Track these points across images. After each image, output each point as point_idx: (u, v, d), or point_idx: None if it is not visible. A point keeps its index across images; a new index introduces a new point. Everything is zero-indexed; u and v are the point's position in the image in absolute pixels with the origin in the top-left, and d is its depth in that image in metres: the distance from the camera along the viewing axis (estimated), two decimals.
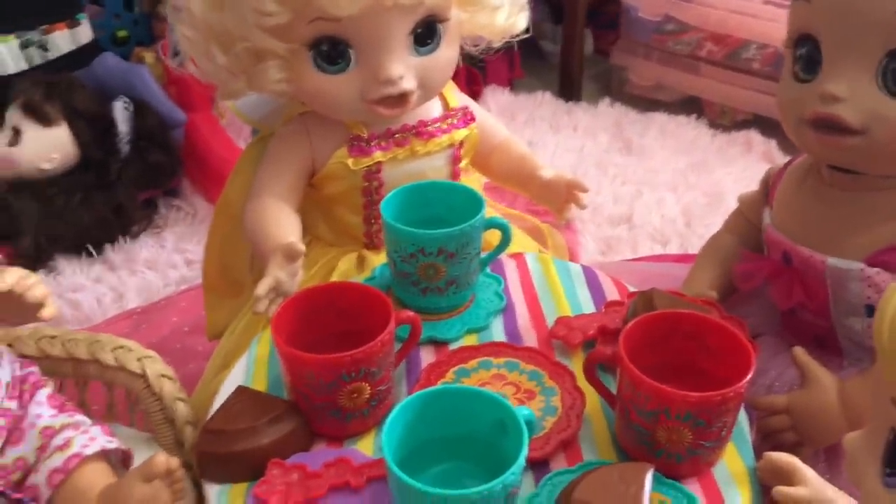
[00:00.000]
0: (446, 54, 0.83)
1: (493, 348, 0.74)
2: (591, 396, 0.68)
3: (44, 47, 1.63)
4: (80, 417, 0.68)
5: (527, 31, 0.89)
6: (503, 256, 0.85)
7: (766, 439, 0.72)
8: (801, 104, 0.71)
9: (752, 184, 0.87)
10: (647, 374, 0.59)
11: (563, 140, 1.74)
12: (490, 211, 0.90)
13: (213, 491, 0.63)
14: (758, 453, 0.64)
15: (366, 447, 0.66)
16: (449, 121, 0.89)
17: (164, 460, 0.61)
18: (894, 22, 0.65)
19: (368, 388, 0.65)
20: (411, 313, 0.70)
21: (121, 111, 1.47)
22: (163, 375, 0.73)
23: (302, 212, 0.87)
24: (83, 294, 1.34)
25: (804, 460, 0.61)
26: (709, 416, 0.59)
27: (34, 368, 0.71)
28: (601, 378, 0.66)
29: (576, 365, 0.71)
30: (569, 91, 1.94)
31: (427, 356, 0.74)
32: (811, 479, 0.60)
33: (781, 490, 0.59)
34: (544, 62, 2.11)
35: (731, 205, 0.91)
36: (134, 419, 0.79)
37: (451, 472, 0.60)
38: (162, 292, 1.36)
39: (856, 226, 0.72)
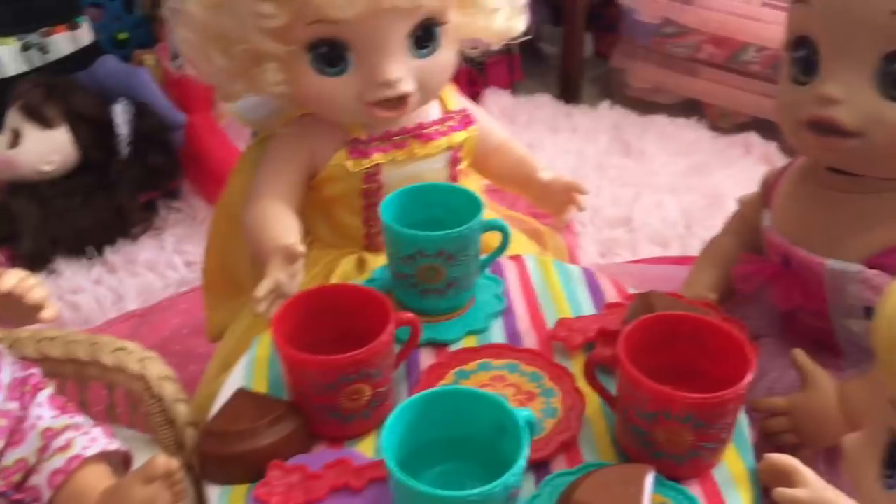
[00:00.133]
0: (445, 57, 0.83)
1: (493, 350, 0.74)
2: (592, 398, 0.68)
3: (44, 49, 1.64)
4: (81, 419, 0.68)
5: (526, 33, 0.89)
6: (503, 258, 0.85)
7: (766, 441, 0.72)
8: (799, 107, 0.71)
9: (751, 186, 0.87)
10: (646, 376, 0.59)
11: (562, 142, 1.75)
12: (490, 213, 0.90)
13: (213, 492, 0.63)
14: (758, 455, 0.64)
15: (366, 448, 0.66)
16: (447, 123, 0.89)
17: (165, 462, 0.61)
18: (891, 25, 0.65)
19: (369, 389, 0.65)
20: (411, 315, 0.70)
21: (121, 113, 1.48)
22: (163, 377, 0.73)
23: (302, 213, 0.87)
24: (83, 296, 1.34)
25: (804, 462, 0.61)
26: (709, 417, 0.59)
27: (35, 370, 0.71)
28: (601, 380, 0.66)
29: (576, 367, 0.71)
30: (568, 93, 1.94)
31: (427, 358, 0.74)
32: (811, 480, 0.60)
33: (781, 491, 0.59)
34: (544, 64, 2.11)
35: (731, 207, 0.91)
36: (135, 420, 0.79)
37: (452, 474, 0.60)
38: (162, 294, 1.36)
39: (855, 228, 0.73)
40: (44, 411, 0.68)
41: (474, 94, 1.85)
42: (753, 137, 1.72)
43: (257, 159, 0.90)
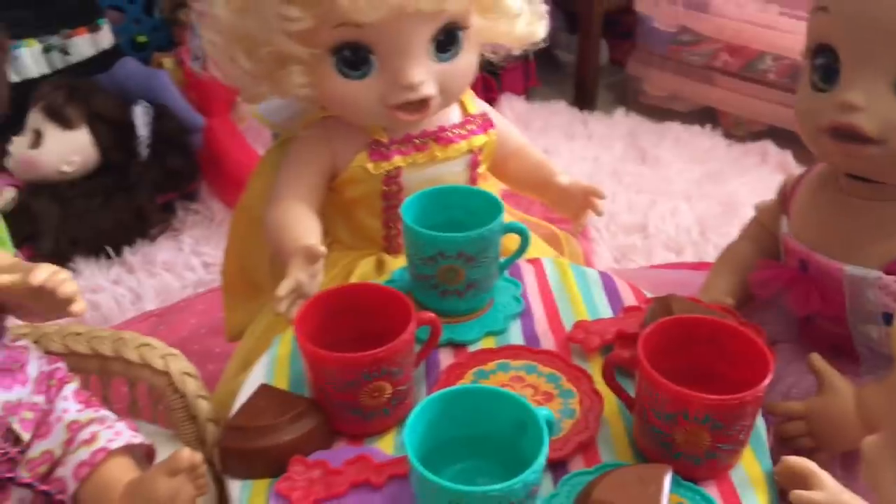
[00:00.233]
0: (466, 61, 0.84)
1: (512, 351, 0.74)
2: (610, 399, 0.68)
3: (65, 52, 1.66)
4: (105, 412, 0.69)
5: (543, 40, 0.90)
6: (521, 261, 0.86)
7: (783, 445, 0.72)
8: (819, 113, 0.72)
9: (767, 194, 0.88)
10: (665, 378, 0.60)
11: (577, 149, 1.76)
12: (506, 217, 0.91)
13: (235, 486, 0.64)
14: (775, 459, 0.64)
15: (386, 446, 0.67)
16: (468, 127, 0.90)
17: (189, 455, 0.62)
18: None
19: (389, 387, 0.65)
20: (431, 314, 0.70)
21: (141, 115, 1.49)
22: (186, 373, 0.74)
23: (322, 215, 0.88)
24: (102, 295, 1.36)
25: (820, 466, 0.62)
26: (727, 418, 0.59)
27: (61, 364, 0.72)
28: (619, 381, 0.67)
29: (593, 368, 0.72)
30: (584, 100, 1.95)
31: (446, 358, 0.75)
32: (828, 483, 0.60)
33: (798, 494, 0.59)
34: (560, 71, 2.12)
35: (746, 215, 0.92)
36: (156, 416, 0.80)
37: (472, 471, 0.61)
38: (179, 294, 1.38)
39: (873, 234, 0.73)
40: (69, 405, 0.69)
41: (490, 100, 1.86)
42: (769, 146, 1.73)
43: (278, 162, 0.92)
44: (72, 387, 0.70)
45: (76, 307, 0.61)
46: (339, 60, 0.80)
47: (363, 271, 0.90)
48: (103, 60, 1.65)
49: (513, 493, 0.54)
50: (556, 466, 0.64)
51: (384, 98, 0.81)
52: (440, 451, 0.59)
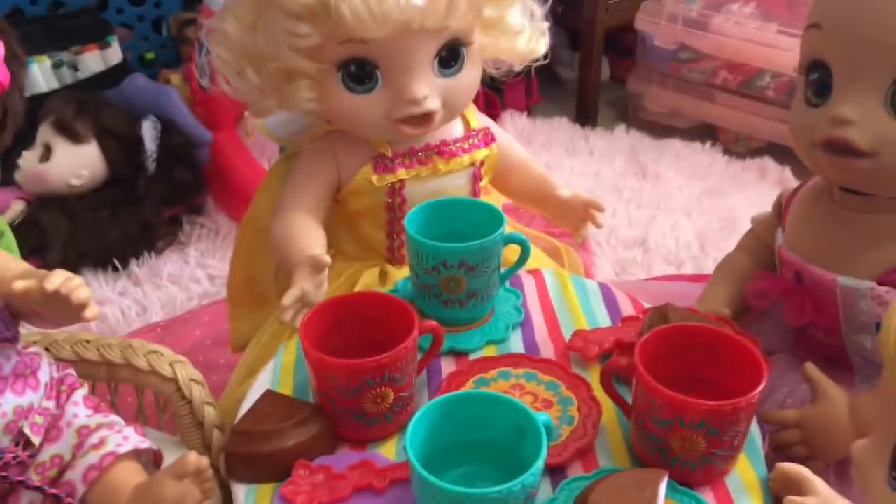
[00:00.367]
0: (469, 76, 0.86)
1: (512, 359, 0.76)
2: (608, 406, 0.70)
3: (75, 67, 1.69)
4: (114, 418, 0.71)
5: (545, 57, 0.92)
6: (522, 272, 0.87)
7: (778, 453, 0.73)
8: (813, 128, 0.73)
9: (766, 209, 0.89)
10: (661, 385, 0.61)
11: (579, 164, 1.77)
12: (509, 229, 0.92)
13: (240, 491, 0.66)
14: (770, 466, 0.65)
15: (388, 451, 0.68)
16: (470, 140, 0.91)
17: (196, 459, 0.64)
18: None
19: (392, 393, 0.67)
20: (434, 322, 0.72)
21: (149, 130, 1.51)
22: (193, 380, 0.76)
23: (327, 227, 0.89)
24: (109, 307, 1.37)
25: (815, 473, 0.63)
26: (721, 424, 0.61)
27: (70, 371, 0.73)
28: (617, 389, 0.68)
29: (592, 376, 0.73)
30: (585, 116, 1.97)
31: (448, 366, 0.76)
32: (821, 489, 0.61)
33: (792, 500, 0.60)
34: (561, 88, 2.14)
35: (745, 230, 0.93)
36: (162, 423, 0.81)
37: (472, 475, 0.62)
38: (185, 306, 1.39)
39: (867, 246, 0.74)
40: (79, 410, 0.70)
41: (493, 116, 1.88)
42: (768, 162, 1.75)
43: (284, 174, 0.93)
44: (81, 392, 0.72)
45: (89, 313, 0.62)
46: (346, 75, 0.82)
47: (367, 282, 0.91)
48: (112, 76, 1.67)
49: (511, 496, 0.55)
50: (555, 472, 0.65)
51: (389, 112, 0.83)
52: (441, 456, 0.61)
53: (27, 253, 1.33)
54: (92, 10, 1.78)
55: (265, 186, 0.99)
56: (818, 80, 0.73)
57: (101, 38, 1.72)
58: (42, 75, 1.64)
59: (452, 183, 0.90)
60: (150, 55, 1.91)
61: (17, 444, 0.67)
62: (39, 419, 0.68)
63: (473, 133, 0.92)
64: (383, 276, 0.92)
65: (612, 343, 0.77)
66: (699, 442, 0.61)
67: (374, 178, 0.87)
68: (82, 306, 0.61)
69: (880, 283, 0.73)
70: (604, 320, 0.82)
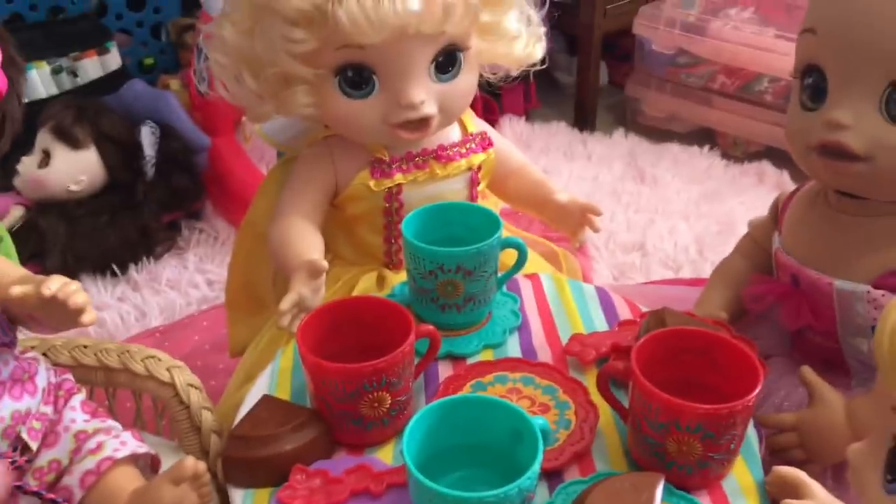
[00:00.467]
0: (466, 81, 0.86)
1: (509, 363, 0.76)
2: (604, 410, 0.70)
3: (74, 73, 1.69)
4: (111, 423, 0.71)
5: (543, 62, 0.93)
6: (519, 276, 0.87)
7: (775, 456, 0.73)
8: (808, 132, 0.74)
9: (763, 214, 0.89)
10: (658, 389, 0.61)
11: (577, 169, 1.78)
12: (506, 233, 0.93)
13: (238, 495, 0.66)
14: (767, 470, 0.65)
15: (385, 456, 0.68)
16: (467, 145, 0.92)
17: (193, 464, 0.64)
18: None
19: (389, 397, 0.67)
20: (430, 327, 0.72)
21: (147, 135, 1.51)
22: (190, 385, 0.76)
23: (324, 231, 0.90)
24: (107, 312, 1.37)
25: (812, 477, 0.63)
26: (718, 428, 0.61)
27: (68, 376, 0.74)
28: (614, 393, 0.68)
29: (589, 381, 0.74)
30: (583, 121, 1.97)
31: (445, 370, 0.77)
32: (818, 493, 0.61)
33: (789, 503, 0.61)
34: (559, 93, 2.15)
35: (743, 234, 0.93)
36: (160, 428, 0.81)
37: (469, 479, 0.62)
38: (183, 312, 1.39)
39: (862, 249, 0.75)
40: (77, 415, 0.70)
41: (490, 121, 1.86)
42: (766, 166, 1.75)
43: (282, 179, 0.94)
44: (79, 397, 0.72)
45: (86, 318, 0.62)
46: (343, 80, 0.82)
47: (364, 286, 0.91)
48: (111, 82, 1.68)
49: (508, 499, 0.55)
50: (552, 476, 0.66)
51: (386, 117, 0.83)
52: (438, 460, 0.61)
53: (26, 258, 1.34)
54: (91, 16, 1.79)
55: (263, 191, 0.99)
56: (813, 84, 0.74)
57: (100, 43, 1.72)
58: (41, 81, 1.65)
59: (450, 187, 0.90)
60: (148, 61, 1.92)
61: (14, 449, 0.67)
62: (37, 424, 0.69)
63: (471, 138, 0.92)
64: (381, 281, 0.92)
65: (609, 347, 0.77)
66: (696, 445, 0.61)
67: (372, 183, 0.87)
68: (79, 311, 0.61)
69: (876, 287, 0.73)
70: (601, 324, 0.82)
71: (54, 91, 1.66)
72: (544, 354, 0.78)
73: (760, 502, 0.64)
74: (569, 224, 0.94)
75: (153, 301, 1.41)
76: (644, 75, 1.96)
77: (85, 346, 0.78)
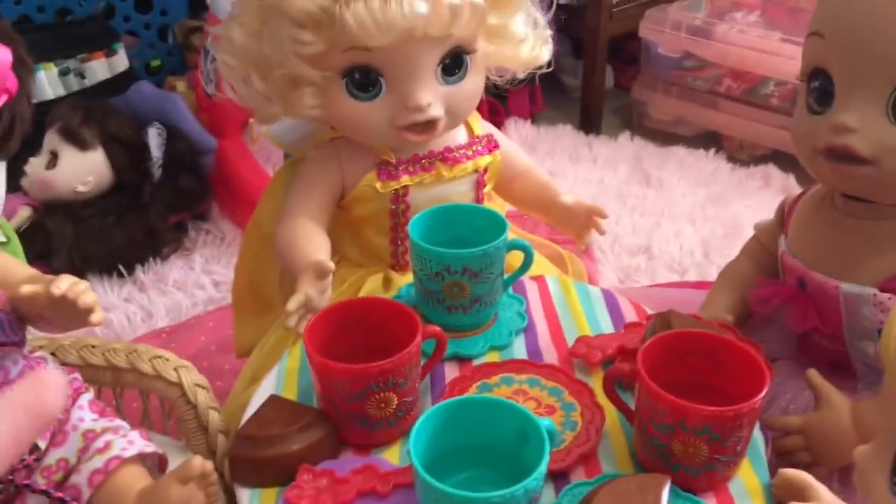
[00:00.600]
0: (473, 84, 0.86)
1: (515, 365, 0.76)
2: (611, 412, 0.70)
3: (81, 75, 1.70)
4: (119, 422, 0.71)
5: (549, 65, 0.93)
6: (525, 278, 0.87)
7: (781, 459, 0.73)
8: (815, 135, 0.74)
9: (769, 217, 0.89)
10: (664, 390, 0.61)
11: (583, 172, 1.78)
12: (512, 235, 0.93)
13: (245, 495, 0.66)
14: (773, 473, 0.65)
15: (391, 456, 0.69)
16: (474, 147, 0.92)
17: (201, 463, 0.64)
18: None
19: (395, 398, 0.67)
20: (437, 328, 0.72)
21: (154, 137, 1.52)
22: (197, 385, 0.76)
23: (330, 233, 0.90)
24: (114, 313, 1.38)
25: (818, 480, 0.63)
26: (724, 430, 0.61)
27: (76, 375, 0.74)
28: (620, 395, 0.68)
29: (595, 382, 0.74)
30: (589, 124, 1.98)
31: (451, 372, 0.77)
32: (824, 495, 0.61)
33: None
34: (565, 96, 2.15)
35: (749, 237, 0.93)
36: (167, 428, 0.82)
37: (475, 480, 0.62)
38: (190, 312, 1.40)
39: (869, 252, 0.75)
40: (85, 414, 0.71)
41: (496, 123, 1.87)
42: (772, 169, 1.75)
43: (288, 182, 0.94)
44: (87, 397, 0.72)
45: (95, 317, 0.63)
46: (350, 83, 0.83)
47: (371, 288, 0.92)
48: (118, 83, 1.69)
49: (514, 500, 0.55)
50: (558, 477, 0.66)
51: (392, 119, 0.83)
52: (445, 460, 0.61)
53: (33, 259, 1.33)
54: (98, 18, 1.80)
55: (270, 193, 0.99)
56: (820, 87, 0.74)
57: (107, 45, 1.73)
58: (49, 82, 1.65)
59: (456, 190, 0.91)
60: (156, 62, 1.92)
61: None
62: None
63: (477, 140, 0.92)
64: (387, 282, 0.93)
65: (615, 349, 0.77)
66: (702, 447, 0.61)
67: (378, 185, 0.88)
68: (88, 310, 0.62)
69: (882, 290, 0.73)
70: (607, 326, 0.82)
71: (62, 92, 1.67)
72: (550, 356, 0.78)
73: None
74: (574, 226, 0.94)
75: (159, 302, 1.41)
76: (650, 78, 1.96)
77: (93, 346, 0.78)
